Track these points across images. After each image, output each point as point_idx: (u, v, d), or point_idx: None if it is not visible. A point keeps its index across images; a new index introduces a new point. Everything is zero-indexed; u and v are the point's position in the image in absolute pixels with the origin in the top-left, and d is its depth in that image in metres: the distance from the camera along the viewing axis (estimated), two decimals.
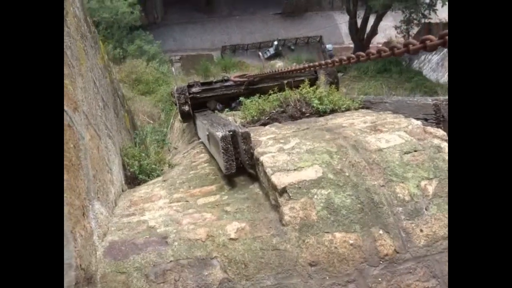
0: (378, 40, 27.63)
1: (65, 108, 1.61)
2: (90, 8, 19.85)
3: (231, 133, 2.45)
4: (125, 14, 21.17)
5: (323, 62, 2.19)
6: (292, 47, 30.34)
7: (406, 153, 2.20)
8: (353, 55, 1.75)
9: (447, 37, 1.11)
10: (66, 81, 1.70)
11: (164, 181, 2.93)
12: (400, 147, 2.23)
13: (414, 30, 22.31)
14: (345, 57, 1.84)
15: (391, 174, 2.09)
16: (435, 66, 18.89)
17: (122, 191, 2.87)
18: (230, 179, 2.56)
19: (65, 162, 1.47)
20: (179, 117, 5.04)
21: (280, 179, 2.07)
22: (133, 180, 3.17)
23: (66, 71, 1.74)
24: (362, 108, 3.39)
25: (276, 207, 2.06)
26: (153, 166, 3.25)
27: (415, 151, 2.20)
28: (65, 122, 1.57)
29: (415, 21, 21.09)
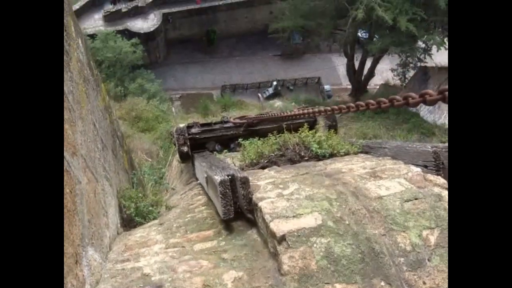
0: (375, 82, 28.19)
1: (64, 153, 1.59)
2: (94, 47, 20.35)
3: (229, 177, 2.43)
4: (127, 53, 21.68)
5: (322, 109, 2.20)
6: (291, 87, 30.91)
7: (406, 201, 2.17)
8: (352, 104, 1.76)
9: (446, 93, 1.11)
10: (65, 126, 1.70)
11: (161, 224, 2.88)
12: (400, 195, 2.21)
13: (410, 73, 22.82)
14: (345, 106, 1.85)
15: (392, 222, 2.06)
16: (432, 108, 19.13)
17: (118, 234, 2.81)
18: (228, 224, 2.51)
19: None
20: (177, 156, 5.04)
21: (279, 227, 2.03)
22: (129, 223, 3.11)
23: (66, 115, 1.74)
24: (361, 152, 3.38)
25: (275, 255, 2.01)
26: (150, 208, 3.20)
27: (416, 199, 2.17)
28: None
29: (411, 65, 21.61)
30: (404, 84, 23.41)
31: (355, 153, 3.36)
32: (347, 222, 2.06)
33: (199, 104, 24.73)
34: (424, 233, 2.01)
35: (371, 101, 1.65)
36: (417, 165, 2.61)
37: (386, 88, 26.23)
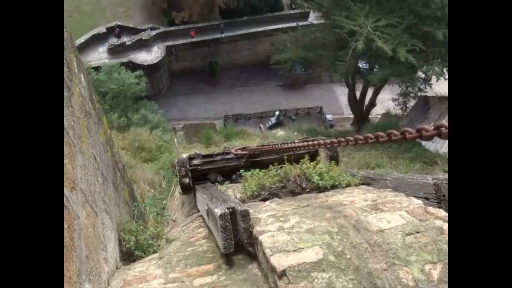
0: (377, 111, 28.41)
1: (64, 191, 1.59)
2: (99, 79, 20.70)
3: (230, 210, 2.42)
4: (131, 85, 21.99)
5: (322, 141, 2.22)
6: (293, 117, 31.18)
7: (408, 234, 2.14)
8: (351, 138, 1.77)
9: (442, 128, 1.13)
10: (65, 160, 1.71)
11: (160, 258, 2.84)
12: (402, 228, 2.18)
13: (411, 102, 23.00)
14: (343, 139, 1.86)
15: (394, 257, 2.02)
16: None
17: (117, 268, 2.77)
18: (228, 257, 2.48)
19: None
20: (179, 187, 5.02)
21: (279, 261, 2.00)
22: (128, 256, 3.07)
23: (66, 150, 1.75)
24: (363, 184, 3.37)
25: None
26: (150, 241, 3.17)
27: (418, 232, 2.15)
28: None
29: (412, 94, 21.80)
30: (406, 114, 23.56)
31: (357, 185, 3.34)
32: (348, 257, 2.03)
33: (202, 134, 24.86)
34: (427, 267, 1.97)
35: (370, 135, 1.66)
36: (418, 197, 2.59)
37: (388, 118, 26.41)
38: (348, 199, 2.76)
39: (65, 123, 1.78)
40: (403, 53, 17.43)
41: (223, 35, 31.45)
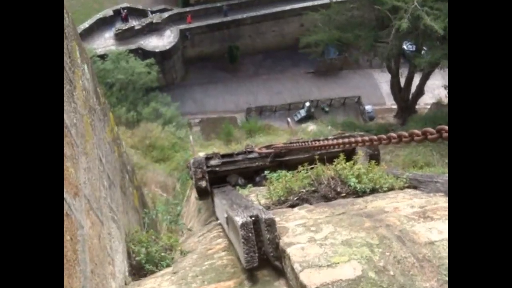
0: (426, 101, 27.85)
1: (64, 194, 1.63)
2: (105, 69, 21.12)
3: (253, 218, 2.42)
4: (141, 74, 22.33)
5: (359, 138, 2.20)
6: (326, 109, 30.93)
7: None
8: (394, 135, 1.76)
9: None
10: (67, 164, 1.75)
11: (175, 273, 2.88)
12: None
13: None
14: (385, 136, 1.84)
15: (447, 274, 1.99)
16: None
17: (125, 284, 2.83)
18: (251, 273, 2.49)
19: None
20: (195, 192, 5.08)
21: (310, 278, 1.99)
22: (138, 270, 3.13)
23: (68, 151, 1.79)
24: (408, 187, 3.33)
25: None
26: (163, 254, 3.22)
27: None
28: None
29: None
30: None
31: (401, 188, 3.30)
32: (391, 273, 2.01)
33: (221, 130, 25.04)
34: None
35: (417, 131, 1.66)
36: None
37: (439, 108, 25.86)
38: (391, 205, 2.73)
39: (66, 120, 1.82)
40: None
41: (245, 16, 31.40)
